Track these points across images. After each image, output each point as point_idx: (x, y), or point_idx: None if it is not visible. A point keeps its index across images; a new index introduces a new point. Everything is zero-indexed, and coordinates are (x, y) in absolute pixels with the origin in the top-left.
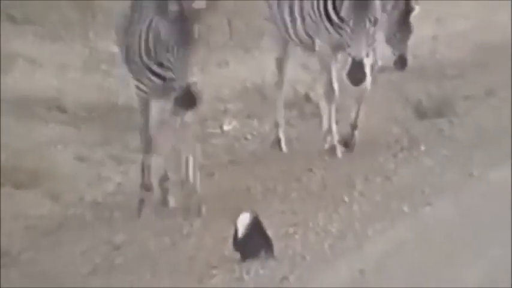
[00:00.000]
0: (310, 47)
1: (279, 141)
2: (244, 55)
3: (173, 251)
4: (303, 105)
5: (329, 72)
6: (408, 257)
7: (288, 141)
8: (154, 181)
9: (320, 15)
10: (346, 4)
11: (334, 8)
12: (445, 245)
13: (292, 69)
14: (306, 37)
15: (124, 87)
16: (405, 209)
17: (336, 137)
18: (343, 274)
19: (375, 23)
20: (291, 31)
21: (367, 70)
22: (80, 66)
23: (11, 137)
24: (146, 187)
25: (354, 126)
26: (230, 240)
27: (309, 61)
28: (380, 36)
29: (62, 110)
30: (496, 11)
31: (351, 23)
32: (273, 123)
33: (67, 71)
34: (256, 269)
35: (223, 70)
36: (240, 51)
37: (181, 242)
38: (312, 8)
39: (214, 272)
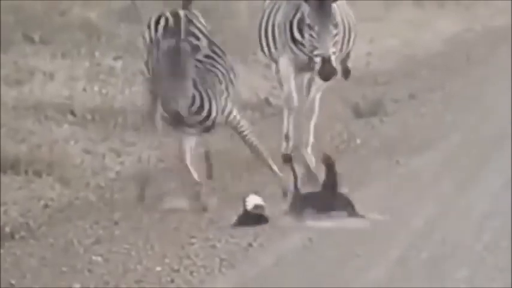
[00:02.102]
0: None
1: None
2: None
3: (161, 224)
4: (263, 108)
5: (289, 86)
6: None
7: None
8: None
9: (286, 37)
10: (310, 14)
11: (299, 28)
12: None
13: (254, 79)
14: (274, 56)
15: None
16: (345, 190)
17: (291, 143)
18: (296, 241)
19: (336, 26)
20: (265, 49)
21: (335, 65)
22: (85, 77)
23: (31, 135)
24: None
25: (306, 145)
26: (206, 215)
27: (267, 72)
28: None
29: (72, 113)
30: (419, 31)
31: (316, 28)
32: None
33: (75, 82)
34: (226, 237)
35: None
36: None
37: (167, 216)
38: (280, 30)
39: (193, 240)
